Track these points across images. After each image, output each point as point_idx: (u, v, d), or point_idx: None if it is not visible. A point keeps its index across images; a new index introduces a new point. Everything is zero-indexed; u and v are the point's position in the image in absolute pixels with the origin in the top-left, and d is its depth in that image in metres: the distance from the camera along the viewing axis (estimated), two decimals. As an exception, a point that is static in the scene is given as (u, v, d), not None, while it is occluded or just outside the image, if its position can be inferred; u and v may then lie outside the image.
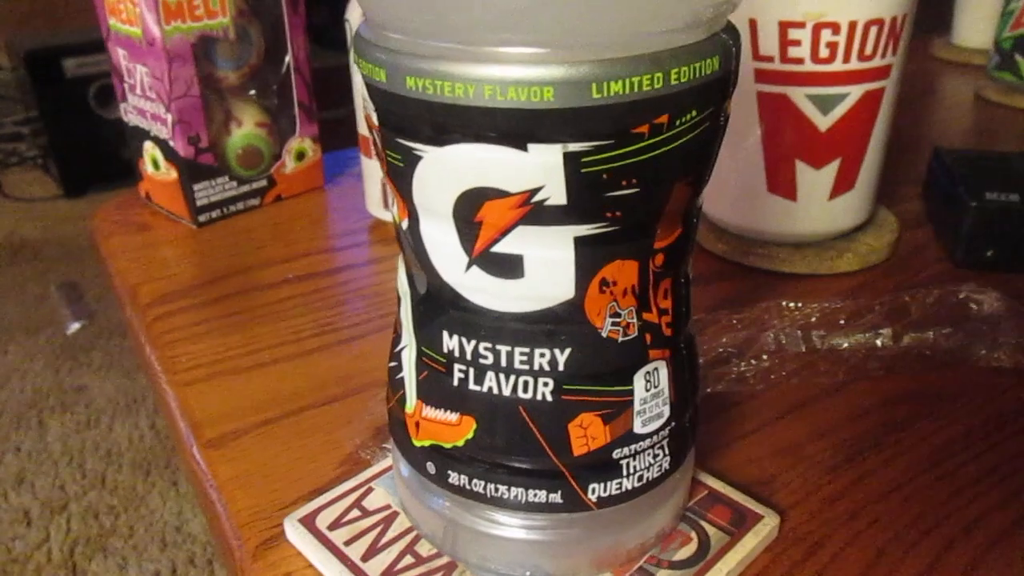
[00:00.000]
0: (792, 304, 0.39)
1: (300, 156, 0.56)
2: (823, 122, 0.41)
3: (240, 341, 0.40)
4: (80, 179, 2.14)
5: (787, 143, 0.42)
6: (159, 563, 1.07)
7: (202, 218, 0.52)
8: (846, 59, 0.40)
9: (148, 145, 0.53)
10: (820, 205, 0.43)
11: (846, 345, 0.37)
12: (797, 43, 0.40)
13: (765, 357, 0.36)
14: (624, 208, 0.20)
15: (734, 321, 0.37)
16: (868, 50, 0.40)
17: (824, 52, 0.40)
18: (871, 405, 0.34)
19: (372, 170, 0.51)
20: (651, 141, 0.19)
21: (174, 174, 0.51)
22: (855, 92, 0.41)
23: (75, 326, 1.59)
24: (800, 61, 0.40)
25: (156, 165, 0.53)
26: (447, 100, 0.18)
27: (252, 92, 0.54)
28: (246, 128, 0.53)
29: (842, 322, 0.38)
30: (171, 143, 0.50)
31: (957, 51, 0.91)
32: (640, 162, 0.19)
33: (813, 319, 0.38)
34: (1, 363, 1.48)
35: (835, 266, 0.44)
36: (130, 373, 1.45)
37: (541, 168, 0.19)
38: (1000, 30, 0.77)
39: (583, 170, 0.19)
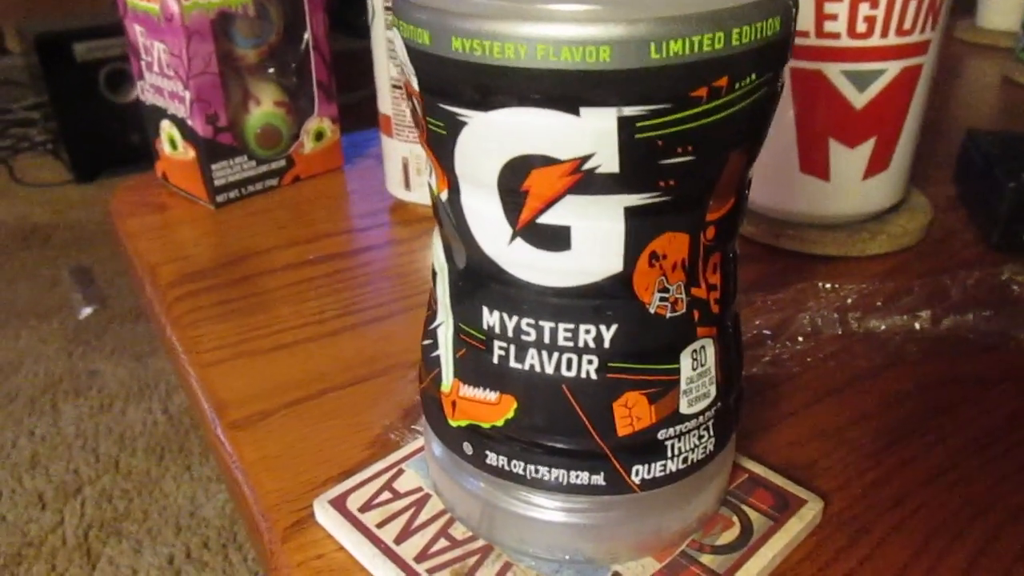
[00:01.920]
0: (828, 285, 0.38)
1: (319, 136, 0.55)
2: (859, 100, 0.40)
3: (263, 322, 0.39)
4: (91, 164, 2.14)
5: (821, 121, 0.41)
6: (173, 547, 1.07)
7: (220, 198, 0.51)
8: (884, 34, 0.39)
9: (165, 124, 0.52)
10: (853, 185, 0.42)
11: (883, 328, 0.36)
12: (833, 17, 0.38)
13: (801, 339, 0.35)
14: (678, 177, 0.19)
15: (768, 303, 0.37)
16: (907, 24, 0.39)
17: (861, 26, 0.38)
18: (911, 389, 0.33)
19: (392, 150, 0.50)
20: (709, 106, 0.18)
21: (192, 154, 0.51)
22: (893, 68, 0.40)
23: (87, 311, 1.59)
24: (836, 36, 0.39)
25: (174, 145, 0.52)
26: (496, 62, 0.17)
27: (271, 70, 0.53)
28: (264, 107, 0.52)
29: (879, 304, 0.37)
30: (189, 122, 0.49)
31: (982, 33, 0.89)
32: (697, 128, 0.18)
33: (849, 301, 0.37)
34: (14, 348, 1.49)
35: (867, 248, 0.43)
36: (142, 358, 1.45)
37: (593, 134, 0.18)
38: (1028, 11, 0.76)
39: (637, 136, 0.18)
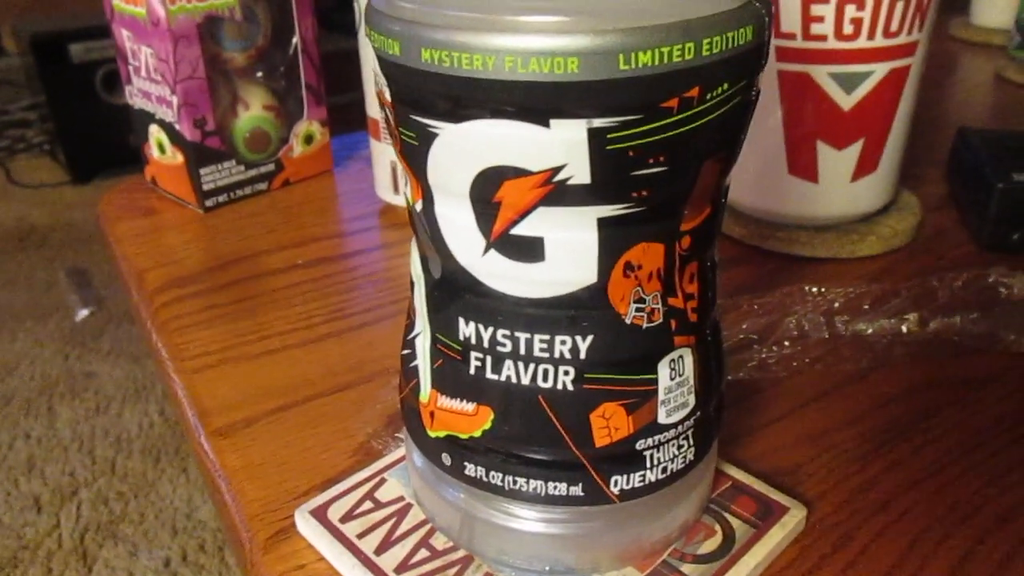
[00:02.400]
0: (815, 289, 0.38)
1: (308, 140, 0.55)
2: (846, 101, 0.40)
3: (249, 327, 0.39)
4: (88, 165, 2.14)
5: (809, 123, 0.41)
6: (170, 549, 1.07)
7: (209, 203, 0.51)
8: (871, 36, 0.38)
9: (154, 129, 0.52)
10: (842, 187, 0.42)
11: (871, 331, 0.36)
12: (820, 19, 0.38)
13: (787, 343, 0.35)
14: (651, 187, 0.19)
15: (755, 307, 0.36)
16: (894, 26, 0.38)
17: (848, 28, 0.38)
18: (898, 392, 0.33)
19: (382, 153, 0.50)
20: (681, 116, 0.18)
21: (180, 158, 0.50)
22: (880, 70, 0.39)
23: (84, 312, 1.59)
24: (823, 38, 0.39)
25: (162, 149, 0.52)
26: (465, 73, 0.17)
27: (259, 74, 0.53)
28: (253, 111, 0.52)
29: (866, 307, 0.37)
30: (177, 126, 0.49)
31: (975, 31, 0.89)
32: (669, 138, 0.18)
33: (836, 304, 0.37)
34: (10, 350, 1.49)
35: (857, 250, 0.43)
36: (139, 360, 1.45)
37: (564, 145, 0.18)
38: (1021, 9, 0.75)
39: (608, 147, 0.18)
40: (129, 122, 0.54)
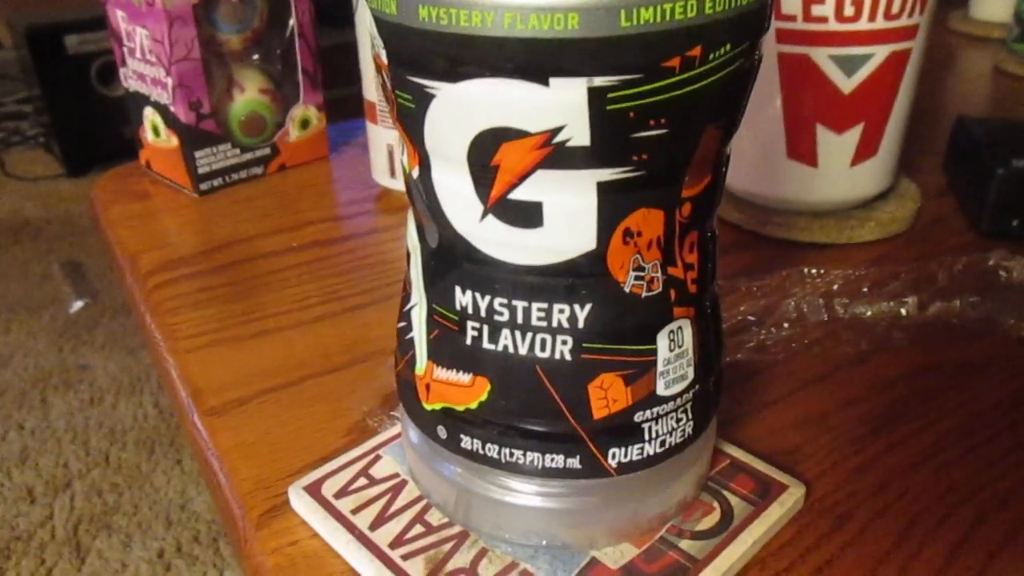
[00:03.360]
0: (814, 271, 0.37)
1: (304, 124, 0.54)
2: (846, 84, 0.40)
3: (243, 309, 0.39)
4: (83, 158, 2.12)
5: (808, 107, 0.41)
6: (163, 541, 1.06)
7: (204, 186, 0.51)
8: (872, 18, 0.38)
9: (148, 111, 0.51)
10: (842, 172, 0.42)
11: (869, 314, 0.35)
12: (821, 1, 0.38)
13: (786, 325, 0.35)
14: (651, 151, 0.18)
15: (754, 289, 0.36)
16: (895, 8, 0.38)
17: (849, 10, 0.38)
18: (896, 376, 0.33)
19: (378, 138, 0.49)
20: (682, 76, 0.17)
21: (175, 141, 0.50)
22: (880, 53, 0.39)
23: (78, 305, 1.58)
24: (824, 20, 0.38)
25: (156, 132, 0.51)
26: (462, 30, 0.17)
27: (255, 57, 0.52)
28: (249, 94, 0.52)
29: (865, 290, 0.37)
30: (171, 108, 0.49)
31: (975, 24, 0.88)
32: (670, 99, 0.18)
33: (835, 287, 0.37)
34: (4, 342, 1.48)
35: (855, 235, 0.43)
36: (134, 351, 1.44)
37: (563, 105, 0.17)
38: (1020, 1, 0.75)
39: (608, 108, 0.17)
40: (125, 114, 0.53)
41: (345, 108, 0.65)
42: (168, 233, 0.47)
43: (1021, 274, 0.37)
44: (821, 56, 0.39)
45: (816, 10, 0.38)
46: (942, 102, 0.69)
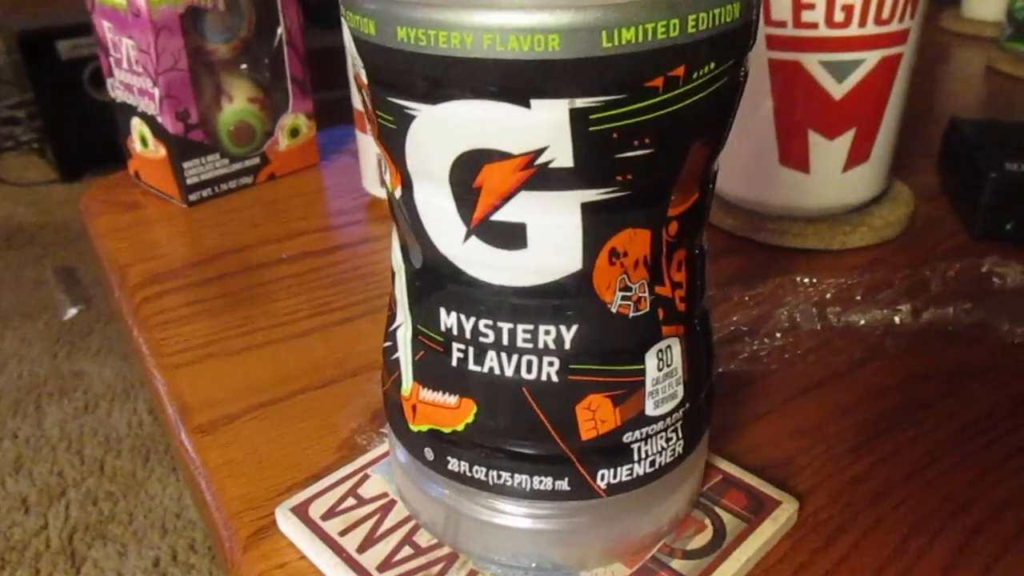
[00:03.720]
0: (806, 280, 0.37)
1: (294, 133, 0.54)
2: (837, 90, 0.40)
3: (232, 322, 0.38)
4: (76, 163, 2.11)
5: (800, 113, 0.41)
6: (159, 549, 1.06)
7: (192, 197, 0.50)
8: (862, 23, 0.38)
9: (136, 122, 0.51)
10: (834, 177, 0.42)
11: (863, 322, 0.35)
12: (811, 6, 0.38)
13: (779, 335, 0.34)
14: (636, 171, 0.18)
15: (746, 298, 0.36)
16: (885, 14, 0.38)
17: (839, 16, 0.38)
18: (890, 384, 0.33)
19: (368, 146, 0.49)
20: (666, 96, 0.17)
21: (163, 151, 0.50)
22: (871, 58, 0.39)
23: (72, 311, 1.57)
24: (814, 26, 0.38)
25: (144, 142, 0.51)
26: (442, 52, 0.17)
27: (243, 66, 0.52)
28: (237, 103, 0.51)
29: (858, 298, 0.36)
30: (159, 119, 0.48)
31: (967, 23, 0.88)
32: (654, 119, 0.17)
33: (828, 295, 0.36)
34: (-2, 349, 1.47)
35: (848, 241, 0.42)
36: (128, 358, 1.43)
37: (545, 126, 0.17)
38: (1013, 1, 0.75)
39: (591, 128, 0.17)
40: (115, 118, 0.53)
41: (336, 112, 0.65)
42: (157, 244, 0.47)
43: (1015, 280, 0.36)
44: (812, 62, 0.39)
45: (806, 16, 0.38)
46: (935, 102, 0.68)
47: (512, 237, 0.19)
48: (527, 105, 0.17)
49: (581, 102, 0.17)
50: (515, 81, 0.17)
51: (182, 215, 0.50)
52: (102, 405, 1.33)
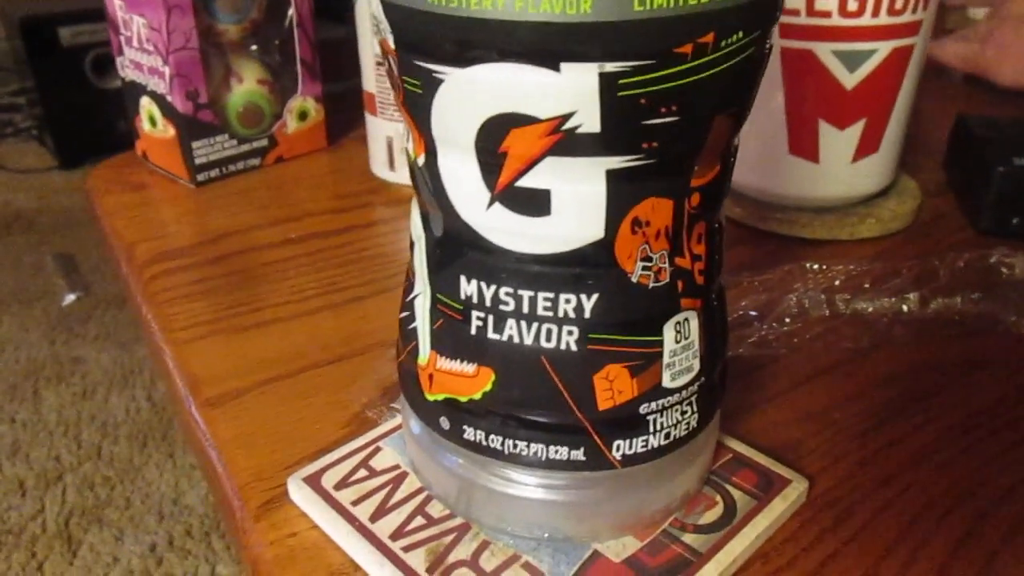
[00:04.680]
0: (815, 267, 0.37)
1: (303, 116, 0.54)
2: (849, 80, 0.40)
3: (241, 299, 0.38)
4: (76, 150, 2.11)
5: (811, 102, 0.41)
6: (155, 535, 1.06)
7: (201, 177, 0.50)
8: (875, 13, 0.38)
9: (145, 101, 0.51)
10: (843, 168, 0.42)
11: (871, 310, 0.35)
12: (824, -5, 0.38)
13: (788, 320, 0.34)
14: (662, 139, 0.18)
15: (755, 283, 0.36)
16: (898, 4, 0.38)
17: (852, 5, 0.38)
18: (898, 371, 0.33)
19: (377, 129, 0.49)
20: (694, 63, 0.17)
21: (172, 131, 0.50)
22: (883, 49, 0.39)
23: (71, 297, 1.57)
24: (827, 15, 0.38)
25: (153, 122, 0.51)
26: (472, 13, 0.17)
27: (253, 48, 0.52)
28: (247, 85, 0.51)
29: (867, 286, 0.37)
30: (169, 98, 0.48)
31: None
32: (681, 86, 0.17)
33: (837, 282, 0.36)
34: (-4, 334, 1.47)
35: (856, 232, 0.42)
36: (126, 345, 1.43)
37: (574, 91, 0.17)
38: None
39: (620, 94, 0.17)
40: (118, 107, 0.53)
41: (341, 103, 0.64)
42: (165, 224, 0.47)
43: (1023, 271, 0.37)
44: (824, 51, 0.39)
45: (819, 5, 0.38)
46: (942, 100, 0.69)
47: (536, 204, 0.19)
48: (557, 69, 0.17)
49: (611, 66, 0.17)
50: (545, 44, 0.17)
51: (190, 195, 0.50)
52: (100, 391, 1.32)
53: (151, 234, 0.45)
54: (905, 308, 0.35)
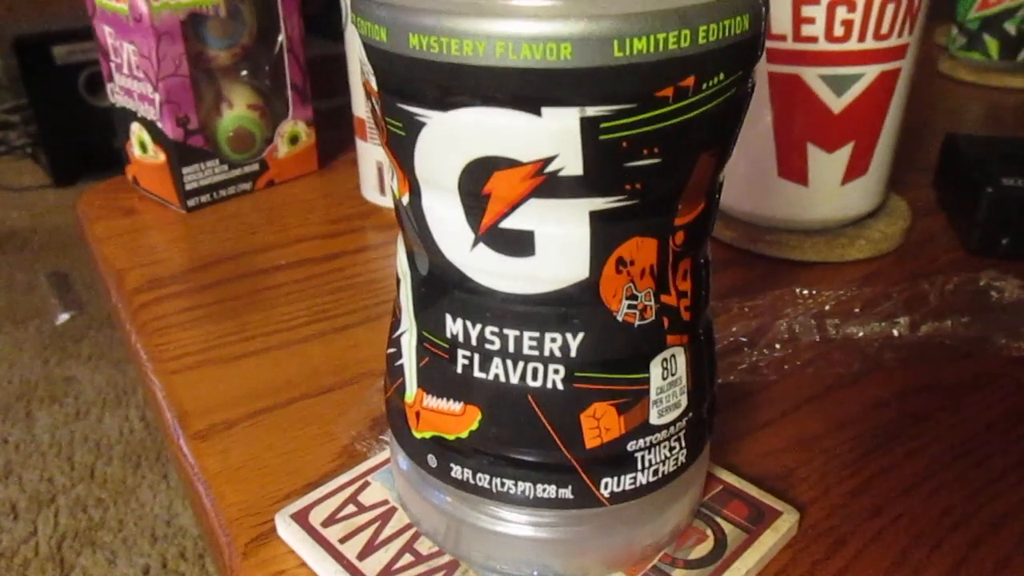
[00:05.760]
0: (805, 291, 0.37)
1: (294, 140, 0.54)
2: (836, 104, 0.40)
3: (230, 328, 0.38)
4: (70, 168, 2.11)
5: (799, 126, 0.41)
6: (149, 557, 1.05)
7: (191, 203, 0.50)
8: (861, 38, 0.38)
9: (135, 127, 0.51)
10: (832, 190, 0.42)
11: (861, 334, 0.35)
12: (811, 20, 0.38)
13: (778, 346, 0.34)
14: (645, 180, 0.18)
15: (745, 309, 0.36)
16: (884, 29, 0.38)
17: (839, 30, 0.38)
18: (889, 397, 0.33)
19: (368, 154, 0.49)
20: (676, 106, 0.17)
21: (162, 157, 0.50)
22: (870, 73, 0.39)
23: (64, 316, 1.57)
24: (814, 39, 0.38)
25: (144, 148, 0.51)
26: (454, 60, 0.17)
27: (244, 73, 0.52)
28: (237, 110, 0.51)
29: (857, 310, 0.37)
30: (159, 124, 0.48)
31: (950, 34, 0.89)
32: (663, 129, 0.17)
33: (827, 307, 0.36)
34: (-11, 354, 1.46)
35: (846, 253, 0.43)
36: (120, 364, 1.43)
37: (556, 135, 0.17)
38: (964, 10, 0.77)
39: (601, 137, 0.17)
40: (113, 125, 0.53)
41: (334, 120, 0.65)
42: (155, 250, 0.47)
43: (1012, 294, 0.37)
44: (811, 75, 0.39)
45: (806, 30, 0.38)
46: (931, 117, 0.69)
47: (520, 245, 0.19)
48: (538, 113, 0.17)
49: (592, 111, 0.17)
50: (527, 89, 0.17)
51: (180, 221, 0.50)
52: (93, 411, 1.32)
53: (141, 260, 0.45)
54: (895, 332, 0.35)
